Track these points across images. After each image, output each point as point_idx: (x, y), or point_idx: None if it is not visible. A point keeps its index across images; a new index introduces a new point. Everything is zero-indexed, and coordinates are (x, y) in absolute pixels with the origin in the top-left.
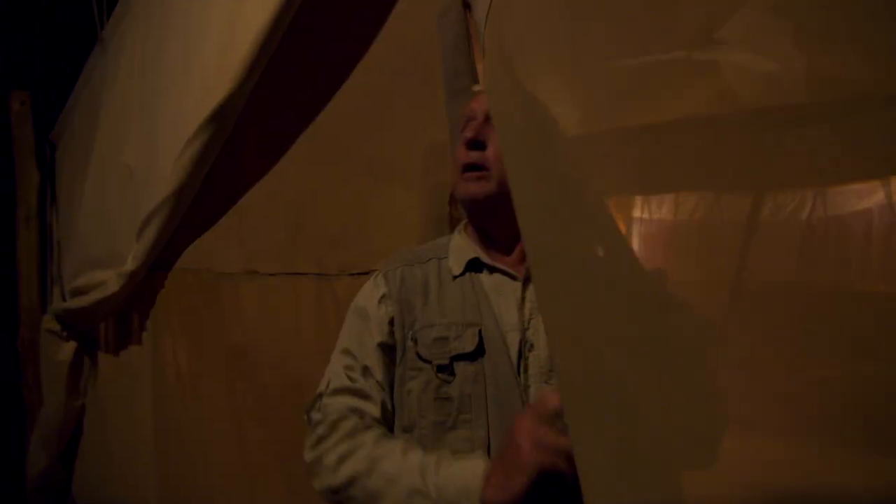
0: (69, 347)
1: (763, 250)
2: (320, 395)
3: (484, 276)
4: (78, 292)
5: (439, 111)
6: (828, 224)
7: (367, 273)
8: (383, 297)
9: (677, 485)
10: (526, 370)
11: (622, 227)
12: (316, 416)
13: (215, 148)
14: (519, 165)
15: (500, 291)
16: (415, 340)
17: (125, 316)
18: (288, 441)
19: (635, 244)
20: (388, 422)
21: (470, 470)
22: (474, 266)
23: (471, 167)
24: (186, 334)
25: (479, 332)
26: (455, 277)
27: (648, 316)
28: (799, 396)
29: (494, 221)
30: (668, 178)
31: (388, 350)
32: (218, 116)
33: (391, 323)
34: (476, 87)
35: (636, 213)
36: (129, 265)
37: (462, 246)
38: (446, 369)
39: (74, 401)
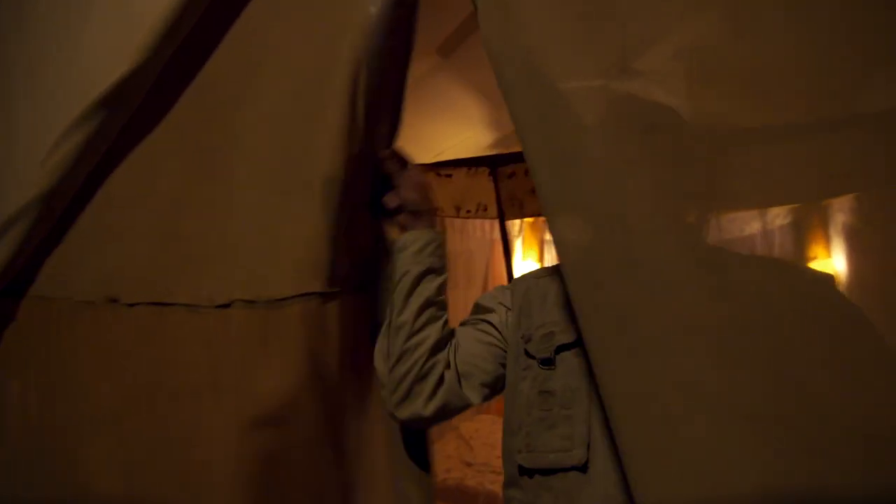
0: None
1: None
2: None
3: None
4: None
5: (347, 101)
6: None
7: (252, 302)
8: (502, 304)
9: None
10: None
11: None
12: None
13: (104, 141)
14: (524, 114)
15: None
16: (527, 339)
17: None
18: (155, 493)
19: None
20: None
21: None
22: None
23: None
24: (40, 377)
25: None
26: None
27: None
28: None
29: None
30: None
31: (490, 348)
32: (111, 100)
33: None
34: None
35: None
36: None
37: None
38: (550, 362)
39: None
